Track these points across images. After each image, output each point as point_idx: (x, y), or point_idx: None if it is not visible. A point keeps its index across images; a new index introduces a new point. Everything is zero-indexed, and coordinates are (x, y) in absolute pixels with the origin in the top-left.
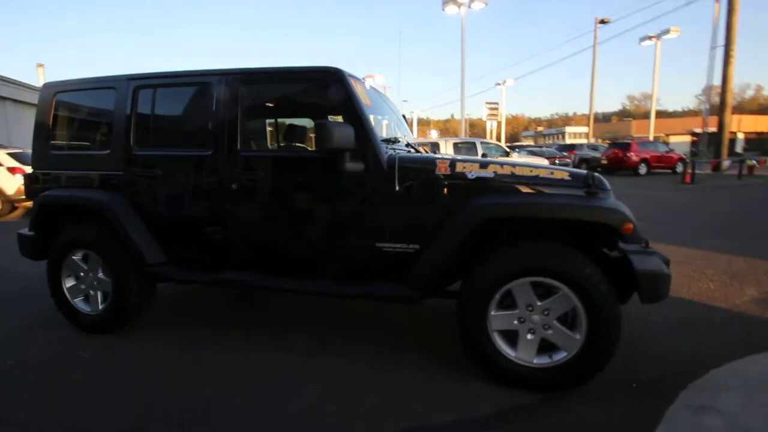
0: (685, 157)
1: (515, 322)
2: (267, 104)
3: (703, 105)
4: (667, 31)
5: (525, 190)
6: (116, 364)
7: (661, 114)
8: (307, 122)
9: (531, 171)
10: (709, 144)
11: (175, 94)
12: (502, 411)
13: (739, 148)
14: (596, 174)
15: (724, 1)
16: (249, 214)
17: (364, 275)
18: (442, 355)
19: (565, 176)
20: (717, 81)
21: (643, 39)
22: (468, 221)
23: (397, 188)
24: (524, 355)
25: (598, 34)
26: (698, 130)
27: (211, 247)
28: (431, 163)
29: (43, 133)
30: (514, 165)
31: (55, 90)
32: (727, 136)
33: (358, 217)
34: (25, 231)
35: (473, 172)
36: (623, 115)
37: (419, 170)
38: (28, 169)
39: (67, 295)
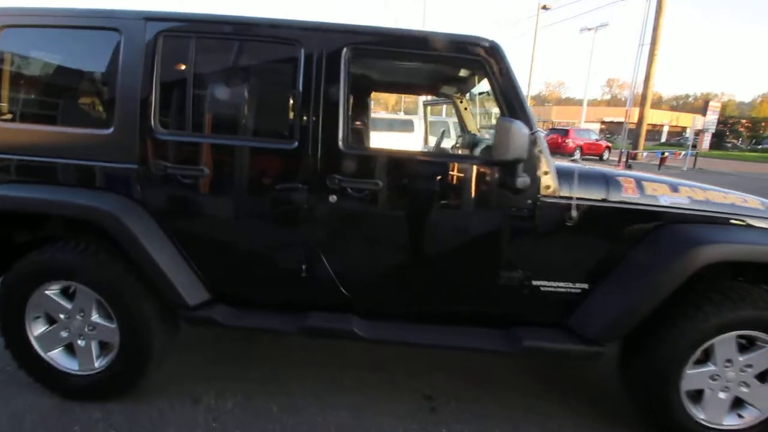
0: (611, 145)
1: (708, 380)
2: (384, 81)
3: (606, 95)
4: (606, 24)
5: (727, 222)
6: None
7: (570, 101)
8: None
9: (725, 197)
10: (629, 134)
11: (228, 51)
12: None
13: (663, 140)
14: None
15: (653, 1)
16: (354, 236)
17: (515, 322)
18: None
19: (758, 205)
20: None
21: (583, 30)
22: (684, 261)
23: (573, 214)
24: (713, 417)
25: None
26: (608, 119)
27: (287, 281)
28: (615, 182)
29: None
30: (704, 189)
31: (2, 22)
32: (645, 128)
33: (516, 248)
34: None
35: (665, 196)
36: (539, 99)
37: (599, 191)
38: None
39: (36, 346)
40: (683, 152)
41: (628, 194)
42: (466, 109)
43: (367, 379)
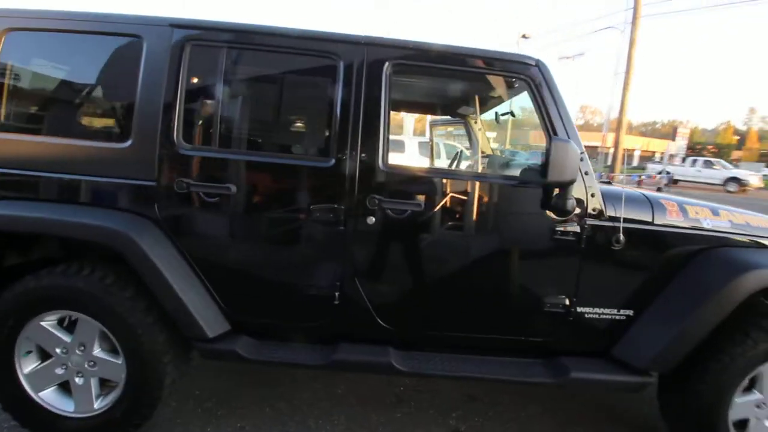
0: None
1: (755, 408)
2: (422, 97)
3: (579, 120)
4: (582, 54)
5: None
6: None
7: None
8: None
9: (762, 221)
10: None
11: (260, 62)
12: None
13: (635, 164)
14: None
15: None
16: (392, 262)
17: (554, 351)
18: None
19: None
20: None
21: (561, 58)
22: (736, 287)
23: (620, 237)
24: None
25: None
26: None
27: (318, 310)
28: (660, 206)
29: None
30: (741, 213)
31: (5, 25)
32: (621, 153)
33: (562, 273)
34: None
35: (708, 219)
36: None
37: (645, 213)
38: None
39: (26, 385)
40: (659, 175)
41: (672, 217)
42: (480, 129)
43: (394, 415)
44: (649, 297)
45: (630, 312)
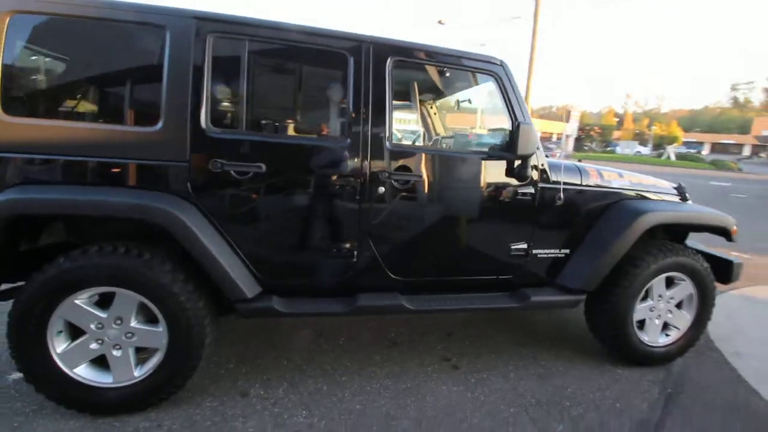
0: None
1: (649, 311)
2: (414, 87)
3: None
4: (495, 41)
5: (653, 197)
6: None
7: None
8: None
9: (648, 180)
10: None
11: (281, 55)
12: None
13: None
14: (681, 183)
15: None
16: (400, 225)
17: (516, 284)
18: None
19: (668, 185)
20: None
21: (480, 45)
22: (633, 228)
23: (561, 196)
24: (652, 338)
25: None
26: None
27: (339, 268)
28: (585, 172)
29: None
30: (636, 175)
31: (9, 7)
32: None
33: (523, 225)
34: None
35: (616, 181)
36: None
37: (576, 178)
38: None
39: (60, 363)
40: (559, 152)
41: (594, 179)
42: (435, 114)
43: (392, 353)
44: (580, 238)
45: (567, 250)
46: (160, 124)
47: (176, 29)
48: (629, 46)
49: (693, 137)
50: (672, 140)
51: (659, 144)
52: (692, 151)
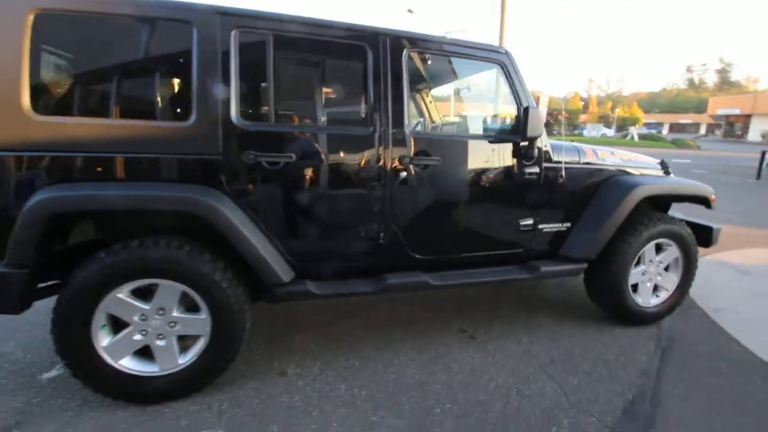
0: None
1: (642, 276)
2: (430, 76)
3: None
4: (465, 30)
5: (642, 172)
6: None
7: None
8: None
9: (638, 157)
10: None
11: (302, 49)
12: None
13: None
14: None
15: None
16: (421, 207)
17: (525, 258)
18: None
19: (654, 161)
20: None
21: (445, 34)
22: (627, 201)
23: (563, 174)
24: (645, 299)
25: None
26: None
27: (366, 251)
28: (582, 151)
29: (4, 78)
30: (627, 153)
31: (31, 5)
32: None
33: (530, 202)
34: None
35: (609, 158)
36: None
37: (575, 157)
38: None
39: (106, 356)
40: None
41: (590, 158)
42: (431, 102)
43: (412, 330)
44: (580, 212)
45: (569, 224)
46: (192, 119)
47: (202, 25)
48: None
49: (653, 118)
50: (634, 122)
51: (622, 126)
52: (653, 131)
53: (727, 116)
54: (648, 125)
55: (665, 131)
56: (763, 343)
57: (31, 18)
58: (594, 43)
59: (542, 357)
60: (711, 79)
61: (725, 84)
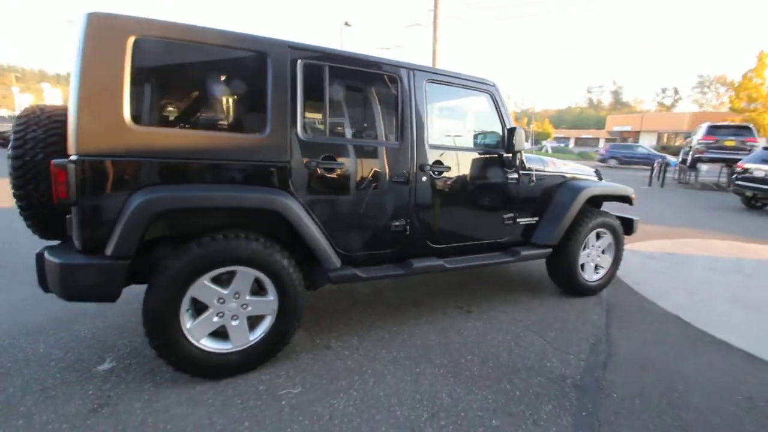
0: None
1: (587, 257)
2: (439, 102)
3: None
4: (400, 46)
5: (585, 177)
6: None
7: None
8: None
9: (580, 167)
10: None
11: (349, 77)
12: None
13: None
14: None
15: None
16: (436, 205)
17: (506, 245)
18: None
19: (590, 170)
20: None
21: (379, 49)
22: (578, 200)
23: (533, 178)
24: (589, 276)
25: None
26: None
27: (397, 241)
28: (546, 162)
29: (110, 94)
30: (572, 164)
31: (130, 31)
32: None
33: (512, 201)
34: (81, 259)
35: (563, 168)
36: None
37: (541, 166)
38: None
39: (190, 337)
40: None
41: (550, 167)
42: (440, 120)
43: (420, 310)
44: (544, 208)
45: (537, 218)
46: (267, 131)
47: (276, 55)
48: (506, 50)
49: (561, 133)
50: (546, 136)
51: (537, 140)
52: (562, 145)
53: (621, 132)
54: (558, 139)
55: (571, 145)
56: (670, 302)
57: (131, 42)
58: (513, 62)
59: (525, 321)
60: (607, 99)
61: (618, 104)
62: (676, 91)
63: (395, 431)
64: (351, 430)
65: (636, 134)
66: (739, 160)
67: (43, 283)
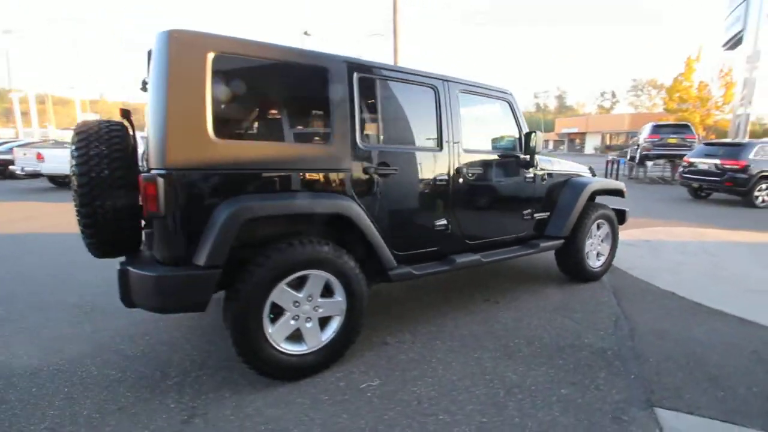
0: None
1: (590, 246)
2: (468, 109)
3: None
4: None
5: (584, 174)
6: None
7: None
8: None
9: (578, 165)
10: None
11: (396, 89)
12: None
13: None
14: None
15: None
16: (470, 204)
17: (527, 239)
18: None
19: (586, 168)
20: None
21: None
22: (583, 195)
23: (546, 176)
24: (593, 263)
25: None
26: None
27: (440, 239)
28: (553, 162)
29: (195, 108)
30: (572, 162)
31: (210, 48)
32: None
33: (530, 198)
34: (179, 271)
35: (567, 166)
36: None
37: (550, 165)
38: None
39: (272, 341)
40: None
41: (556, 167)
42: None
43: (455, 305)
44: (555, 204)
45: (549, 213)
46: (332, 141)
47: (335, 70)
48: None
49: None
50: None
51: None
52: None
53: (569, 134)
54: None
55: None
56: (662, 281)
57: (210, 58)
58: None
59: (549, 307)
60: (552, 104)
61: (563, 107)
62: (613, 94)
63: (481, 407)
64: (441, 411)
65: (582, 135)
66: (683, 155)
67: (127, 298)
